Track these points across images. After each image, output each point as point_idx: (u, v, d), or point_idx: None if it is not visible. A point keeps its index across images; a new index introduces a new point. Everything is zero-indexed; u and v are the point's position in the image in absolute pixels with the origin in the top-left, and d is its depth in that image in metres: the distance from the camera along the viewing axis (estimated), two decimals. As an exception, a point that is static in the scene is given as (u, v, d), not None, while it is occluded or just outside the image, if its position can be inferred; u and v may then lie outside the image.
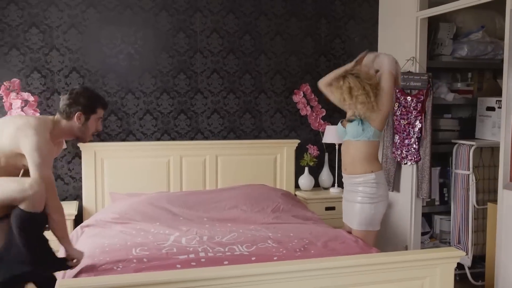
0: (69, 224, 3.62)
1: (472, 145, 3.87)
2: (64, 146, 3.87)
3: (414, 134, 3.94)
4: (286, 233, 3.21)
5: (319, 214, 3.93)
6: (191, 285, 2.07)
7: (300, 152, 4.43)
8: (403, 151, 4.00)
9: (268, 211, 3.69)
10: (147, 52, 4.14)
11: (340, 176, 3.81)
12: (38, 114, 3.75)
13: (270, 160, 4.36)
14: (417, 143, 3.93)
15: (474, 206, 3.87)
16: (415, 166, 3.99)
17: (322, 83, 3.48)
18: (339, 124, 3.41)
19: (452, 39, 4.17)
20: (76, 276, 2.50)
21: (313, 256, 2.72)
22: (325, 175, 4.46)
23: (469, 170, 3.88)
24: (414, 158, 3.95)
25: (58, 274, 2.67)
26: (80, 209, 3.98)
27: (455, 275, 3.76)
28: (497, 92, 3.95)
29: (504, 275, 3.25)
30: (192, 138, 4.29)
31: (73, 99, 2.63)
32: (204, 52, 4.25)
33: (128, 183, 4.03)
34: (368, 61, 3.33)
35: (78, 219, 3.83)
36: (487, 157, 3.95)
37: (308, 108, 4.44)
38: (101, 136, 4.09)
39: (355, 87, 3.18)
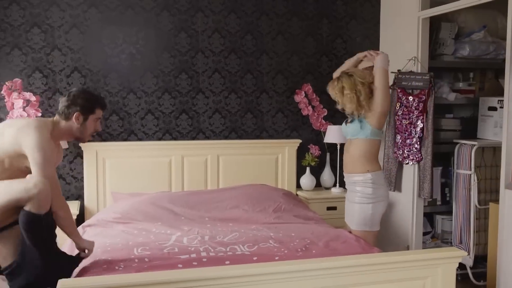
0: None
1: (474, 145, 3.87)
2: (66, 146, 3.88)
3: (415, 134, 3.93)
4: (288, 233, 3.21)
5: (320, 214, 3.93)
6: (192, 285, 2.07)
7: (301, 152, 4.43)
8: (405, 151, 3.99)
9: (269, 211, 3.69)
10: (148, 52, 4.14)
11: (341, 176, 3.81)
12: (39, 114, 3.76)
13: (271, 160, 4.36)
14: (418, 143, 3.92)
15: (476, 206, 3.86)
16: (416, 166, 3.98)
17: (334, 75, 3.51)
18: (344, 123, 3.44)
19: (454, 39, 4.17)
20: (78, 275, 2.50)
21: (315, 256, 2.72)
22: (327, 175, 4.46)
23: (471, 170, 3.87)
24: (416, 158, 3.94)
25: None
26: (82, 208, 3.99)
27: (457, 275, 3.76)
28: (499, 92, 3.95)
29: (506, 275, 3.25)
30: (193, 138, 4.29)
31: (71, 100, 2.67)
32: (205, 52, 4.26)
33: (130, 182, 4.03)
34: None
35: (80, 219, 3.84)
36: (489, 157, 3.95)
37: (310, 108, 4.44)
38: (103, 136, 4.10)
39: (346, 86, 3.25)
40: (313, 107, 4.46)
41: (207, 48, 4.26)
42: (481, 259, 3.99)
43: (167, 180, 4.14)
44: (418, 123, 3.92)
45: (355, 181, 3.30)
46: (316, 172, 4.46)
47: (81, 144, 3.95)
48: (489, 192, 3.92)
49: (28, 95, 3.73)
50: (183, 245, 2.93)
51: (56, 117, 2.69)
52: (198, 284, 2.07)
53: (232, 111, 4.35)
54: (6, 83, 3.72)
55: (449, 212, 4.20)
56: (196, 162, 4.19)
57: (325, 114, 4.44)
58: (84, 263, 2.64)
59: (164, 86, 4.19)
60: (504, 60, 3.41)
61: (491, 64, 4.29)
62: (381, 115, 3.24)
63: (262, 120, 4.43)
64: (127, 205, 3.64)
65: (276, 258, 2.70)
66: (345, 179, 3.45)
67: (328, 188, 4.49)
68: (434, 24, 4.09)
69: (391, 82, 3.95)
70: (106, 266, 2.58)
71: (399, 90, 3.98)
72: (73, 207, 3.76)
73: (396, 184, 4.13)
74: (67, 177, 4.04)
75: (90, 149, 3.97)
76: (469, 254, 3.88)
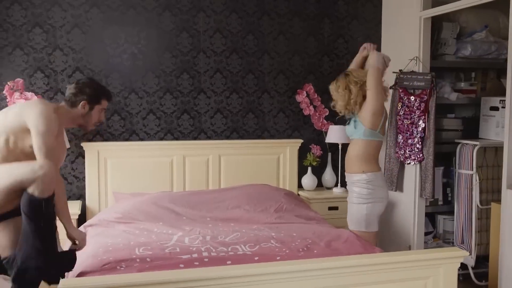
0: (73, 223, 3.63)
1: (476, 145, 3.86)
2: (68, 145, 3.88)
3: (417, 133, 3.93)
4: (289, 233, 3.21)
5: (322, 214, 3.93)
6: (194, 285, 2.07)
7: (303, 152, 4.43)
8: (406, 151, 3.99)
9: (271, 210, 3.69)
10: (150, 52, 4.14)
11: (343, 176, 3.82)
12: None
13: (273, 160, 4.36)
14: (420, 142, 3.92)
15: (477, 206, 3.86)
16: (418, 165, 3.98)
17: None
18: (346, 123, 3.47)
19: (456, 39, 4.16)
20: (79, 275, 2.50)
21: (316, 256, 2.73)
22: (328, 175, 4.46)
23: (472, 170, 3.86)
24: (418, 157, 3.94)
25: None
26: (84, 208, 3.99)
27: (459, 275, 3.73)
28: (501, 91, 3.94)
29: (507, 275, 3.24)
30: (195, 138, 4.29)
31: (79, 88, 2.73)
32: (207, 52, 4.26)
33: (131, 182, 4.04)
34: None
35: (82, 219, 3.84)
36: (491, 157, 3.94)
37: (311, 107, 4.44)
38: (105, 136, 4.10)
39: (341, 85, 3.31)
40: (314, 107, 4.46)
41: (208, 48, 4.26)
42: (483, 259, 3.99)
43: (169, 180, 4.14)
44: (419, 123, 3.91)
45: (353, 181, 3.34)
46: (318, 172, 4.46)
47: (82, 144, 3.95)
48: (491, 192, 3.91)
49: (29, 95, 3.74)
50: (185, 245, 2.94)
51: (62, 103, 2.75)
52: (199, 284, 2.07)
53: (234, 111, 4.36)
54: (8, 83, 3.72)
55: (451, 212, 4.19)
56: (197, 162, 4.19)
57: (327, 114, 4.44)
58: (85, 263, 2.64)
59: (165, 86, 4.19)
60: (506, 60, 3.40)
61: (493, 64, 4.29)
62: (373, 115, 3.22)
63: (264, 120, 4.43)
64: (129, 205, 3.65)
65: (278, 258, 2.70)
66: (346, 179, 3.47)
67: (329, 188, 4.48)
68: (436, 24, 4.08)
69: (392, 82, 3.95)
70: (108, 266, 2.58)
71: (400, 90, 3.98)
72: (75, 207, 3.77)
73: (397, 184, 4.13)
74: (69, 176, 4.05)
75: (91, 149, 3.98)
76: (470, 254, 3.87)
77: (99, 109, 2.79)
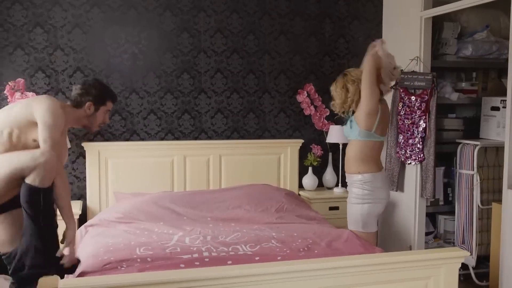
0: (74, 224, 3.63)
1: (477, 145, 3.86)
2: (69, 145, 3.88)
3: (418, 133, 3.93)
4: (290, 233, 3.21)
5: (322, 214, 3.93)
6: (194, 285, 2.07)
7: (304, 152, 4.43)
8: (407, 151, 3.99)
9: (271, 210, 3.69)
10: (151, 52, 4.14)
11: (343, 176, 3.82)
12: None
13: (273, 160, 4.36)
14: (421, 142, 3.92)
15: (478, 206, 3.86)
16: (419, 165, 3.98)
17: None
18: (344, 124, 3.47)
19: (457, 39, 4.16)
20: (79, 275, 2.50)
21: (317, 256, 2.73)
22: (329, 175, 4.46)
23: (473, 170, 3.86)
24: (418, 157, 3.94)
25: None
26: (84, 208, 3.99)
27: (459, 275, 3.74)
28: (502, 91, 3.94)
29: (508, 275, 3.24)
30: (195, 138, 4.29)
31: (86, 89, 2.76)
32: (208, 52, 4.26)
33: (132, 182, 4.04)
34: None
35: (82, 219, 3.84)
36: (492, 157, 3.94)
37: (312, 108, 4.43)
38: (105, 136, 4.10)
39: (339, 84, 3.35)
40: (315, 107, 4.46)
41: (209, 48, 4.26)
42: (483, 259, 3.99)
43: (169, 180, 4.14)
44: (420, 123, 3.91)
45: (351, 182, 3.36)
46: (318, 172, 4.46)
47: (83, 144, 3.95)
48: (492, 192, 3.91)
49: (30, 95, 3.74)
50: (185, 245, 2.94)
51: (68, 103, 2.77)
52: (200, 284, 2.07)
53: (234, 111, 4.36)
54: (9, 83, 3.73)
55: (452, 212, 4.19)
56: (198, 162, 4.19)
57: (328, 114, 4.43)
58: (85, 262, 2.64)
59: (166, 86, 4.20)
60: (507, 59, 3.40)
61: (494, 64, 4.28)
62: (366, 116, 3.21)
63: (264, 120, 4.43)
64: (129, 205, 3.65)
65: (278, 258, 2.70)
66: (346, 179, 3.49)
67: (330, 188, 4.48)
68: (437, 24, 4.08)
69: (393, 82, 3.95)
70: (109, 266, 2.59)
71: (401, 90, 3.98)
72: (76, 207, 3.77)
73: (398, 184, 4.13)
74: (70, 176, 4.05)
75: (92, 149, 3.98)
76: (471, 254, 3.87)
77: (104, 110, 2.82)
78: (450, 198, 4.27)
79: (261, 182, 4.19)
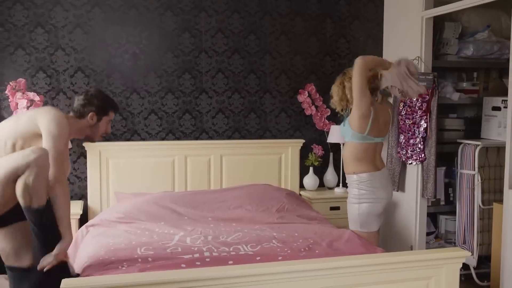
0: (74, 223, 3.64)
1: (478, 145, 3.85)
2: (70, 145, 3.88)
3: (419, 133, 3.92)
4: (291, 233, 3.21)
5: (323, 214, 3.93)
6: (195, 285, 2.07)
7: (305, 152, 4.43)
8: (408, 151, 3.98)
9: (272, 210, 3.68)
10: (152, 52, 4.14)
11: (344, 176, 3.82)
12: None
13: (274, 160, 4.36)
14: (422, 142, 3.91)
15: (479, 206, 3.85)
16: (420, 166, 3.97)
17: None
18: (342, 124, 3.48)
19: (458, 39, 4.15)
20: (80, 275, 2.50)
21: (318, 256, 2.72)
22: (330, 175, 4.46)
23: (474, 170, 3.86)
24: (419, 158, 3.93)
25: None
26: (85, 208, 4.00)
27: (460, 275, 3.74)
28: (503, 91, 3.94)
29: (509, 275, 3.24)
30: (197, 138, 4.29)
31: (88, 99, 2.77)
32: (209, 52, 4.26)
33: (133, 182, 4.04)
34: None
35: (83, 219, 3.84)
36: (493, 157, 3.94)
37: (313, 107, 4.43)
38: (106, 136, 4.09)
39: (337, 82, 3.38)
40: (316, 107, 4.46)
41: (210, 48, 4.26)
42: (484, 259, 3.98)
43: (170, 180, 4.14)
44: (421, 123, 3.91)
45: (349, 182, 3.37)
46: (319, 172, 4.46)
47: (84, 144, 3.95)
48: (493, 192, 3.91)
49: (32, 95, 3.74)
50: (186, 245, 2.94)
51: (70, 114, 2.78)
52: (201, 284, 2.07)
53: (235, 111, 4.35)
54: (10, 83, 3.73)
55: (453, 212, 4.19)
56: (199, 162, 4.19)
57: (328, 114, 4.43)
58: (86, 262, 2.64)
59: (167, 86, 4.20)
60: (508, 59, 3.40)
61: (495, 64, 4.28)
62: (358, 118, 3.19)
63: (265, 120, 4.43)
64: (130, 205, 3.65)
65: (279, 258, 2.70)
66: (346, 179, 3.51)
67: (331, 188, 4.48)
68: (438, 24, 4.07)
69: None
70: (110, 265, 2.59)
71: (402, 90, 3.97)
72: (77, 207, 3.78)
73: (399, 184, 4.13)
74: (71, 176, 4.05)
75: (93, 149, 3.98)
76: (472, 254, 3.87)
77: (107, 120, 2.84)
78: (451, 198, 4.27)
79: (262, 182, 4.19)
